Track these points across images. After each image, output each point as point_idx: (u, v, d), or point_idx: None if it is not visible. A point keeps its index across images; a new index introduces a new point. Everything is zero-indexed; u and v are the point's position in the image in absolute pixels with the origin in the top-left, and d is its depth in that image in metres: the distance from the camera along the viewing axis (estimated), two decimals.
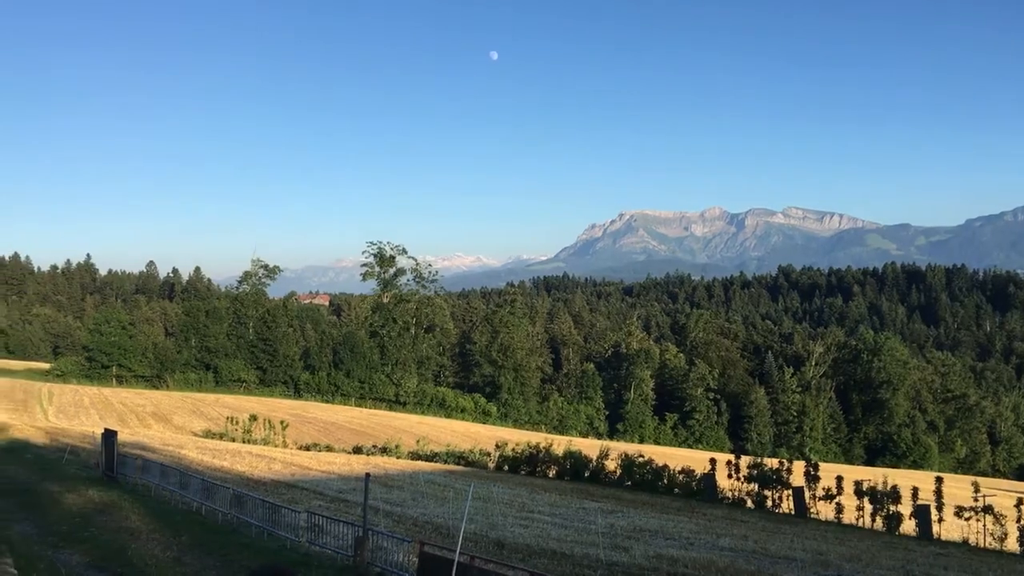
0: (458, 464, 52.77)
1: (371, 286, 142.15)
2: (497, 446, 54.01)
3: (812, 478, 38.75)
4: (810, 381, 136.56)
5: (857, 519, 36.34)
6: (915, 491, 35.75)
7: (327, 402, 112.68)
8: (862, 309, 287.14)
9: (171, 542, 19.90)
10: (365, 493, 18.40)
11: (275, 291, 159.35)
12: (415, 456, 56.26)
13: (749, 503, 40.26)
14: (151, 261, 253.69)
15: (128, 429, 61.05)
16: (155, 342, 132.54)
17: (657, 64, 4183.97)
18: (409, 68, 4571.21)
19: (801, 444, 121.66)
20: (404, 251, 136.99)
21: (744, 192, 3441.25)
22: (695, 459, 59.44)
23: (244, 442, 59.41)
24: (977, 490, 34.78)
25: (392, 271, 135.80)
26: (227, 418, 68.59)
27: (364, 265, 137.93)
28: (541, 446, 51.36)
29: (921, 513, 34.31)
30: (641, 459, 45.98)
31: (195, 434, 65.03)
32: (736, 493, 41.09)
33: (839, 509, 36.85)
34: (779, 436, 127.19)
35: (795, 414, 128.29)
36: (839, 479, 38.05)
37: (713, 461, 43.68)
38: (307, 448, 59.26)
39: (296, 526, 20.84)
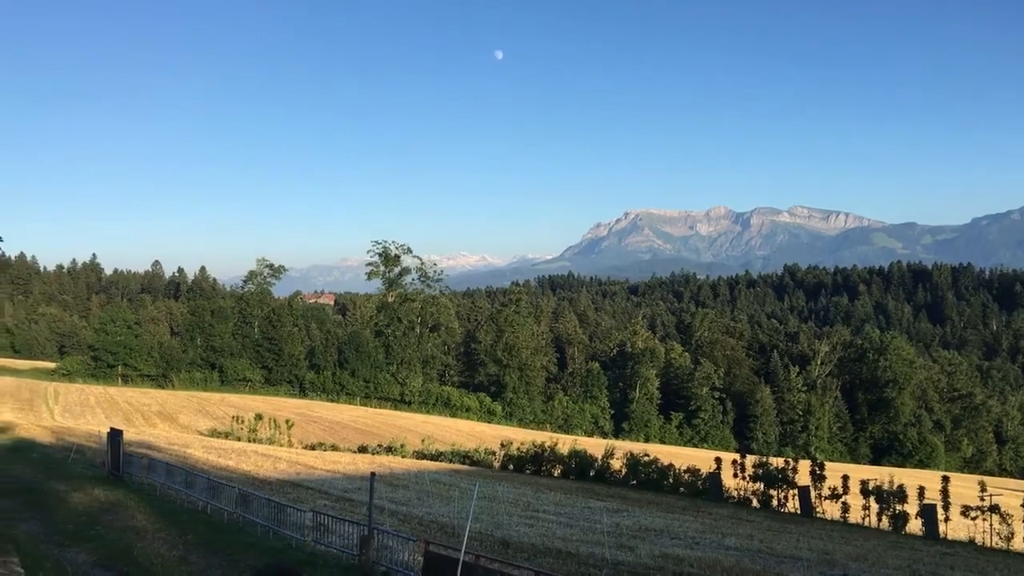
0: (463, 463, 52.78)
1: (376, 285, 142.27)
2: (502, 445, 53.99)
3: (818, 477, 38.65)
4: (816, 380, 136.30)
5: (863, 518, 36.23)
6: (921, 490, 35.65)
7: (332, 401, 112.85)
8: (868, 308, 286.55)
9: (177, 541, 19.92)
10: (371, 492, 18.39)
11: (280, 290, 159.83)
12: (420, 455, 56.28)
13: (755, 502, 40.17)
14: (156, 261, 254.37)
15: (134, 428, 61.19)
16: (161, 341, 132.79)
17: (661, 63, 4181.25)
18: (412, 68, 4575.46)
19: (807, 443, 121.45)
20: (409, 250, 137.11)
21: (749, 191, 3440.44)
22: (700, 458, 59.36)
23: (249, 441, 59.48)
24: (983, 489, 34.66)
25: (397, 270, 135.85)
26: (232, 417, 68.69)
27: (369, 264, 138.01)
28: (546, 445, 51.33)
29: (927, 512, 34.20)
30: (646, 458, 45.92)
31: (201, 433, 65.14)
32: (741, 492, 41.00)
33: (845, 508, 36.74)
34: (784, 435, 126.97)
35: (800, 413, 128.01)
36: (845, 478, 37.94)
37: (718, 460, 43.60)
38: (312, 447, 59.33)
39: (302, 525, 20.85)
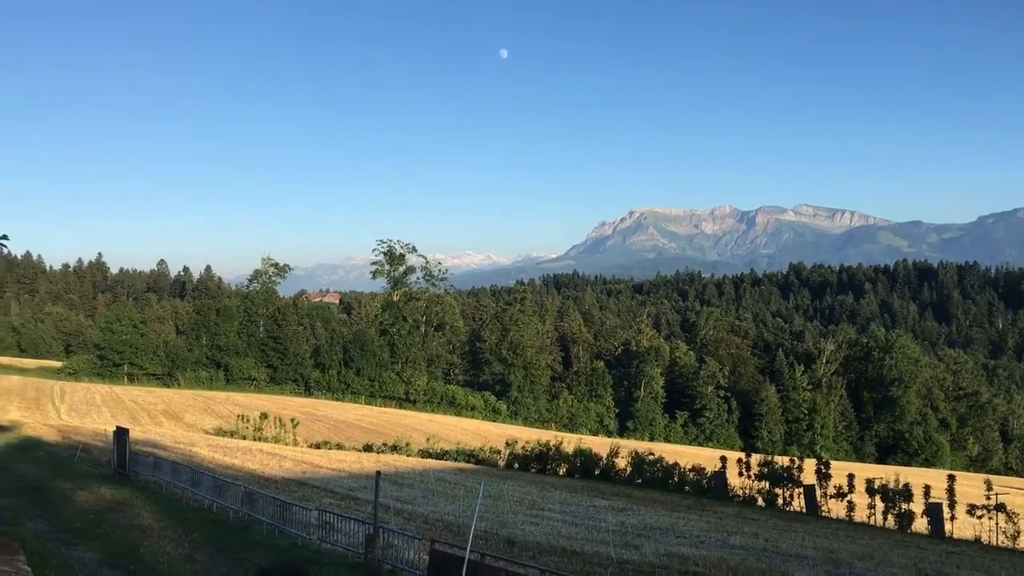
0: (468, 462, 52.83)
1: (381, 284, 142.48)
2: (507, 444, 54.03)
3: (823, 476, 38.61)
4: (821, 379, 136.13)
5: (869, 517, 36.20)
6: (927, 489, 35.59)
7: (337, 400, 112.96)
8: (873, 307, 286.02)
9: (183, 539, 19.96)
10: (376, 491, 18.42)
11: (285, 289, 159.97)
12: (425, 454, 56.34)
13: (760, 501, 40.16)
14: (162, 260, 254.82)
15: (140, 427, 61.34)
16: (166, 340, 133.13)
17: (666, 62, 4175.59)
18: (416, 67, 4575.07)
19: (812, 442, 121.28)
20: (414, 249, 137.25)
21: (755, 189, 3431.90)
22: (705, 457, 59.31)
23: (255, 440, 59.59)
24: (989, 488, 34.62)
25: (402, 269, 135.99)
26: (238, 416, 68.79)
27: (374, 263, 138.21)
28: (551, 444, 51.36)
29: (933, 511, 34.16)
30: (651, 457, 45.93)
31: (206, 432, 65.28)
32: (747, 491, 40.99)
33: (851, 507, 36.70)
34: (790, 434, 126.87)
35: (806, 412, 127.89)
36: (850, 477, 37.90)
37: (724, 459, 43.60)
38: (318, 446, 59.43)
39: (307, 524, 20.88)
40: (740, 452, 47.99)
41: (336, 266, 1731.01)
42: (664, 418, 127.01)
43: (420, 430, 77.32)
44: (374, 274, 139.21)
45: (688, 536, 26.62)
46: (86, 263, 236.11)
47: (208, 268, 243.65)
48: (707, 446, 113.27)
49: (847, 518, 36.38)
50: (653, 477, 44.61)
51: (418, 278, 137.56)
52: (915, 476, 48.55)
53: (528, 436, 65.98)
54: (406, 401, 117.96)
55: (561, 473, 48.66)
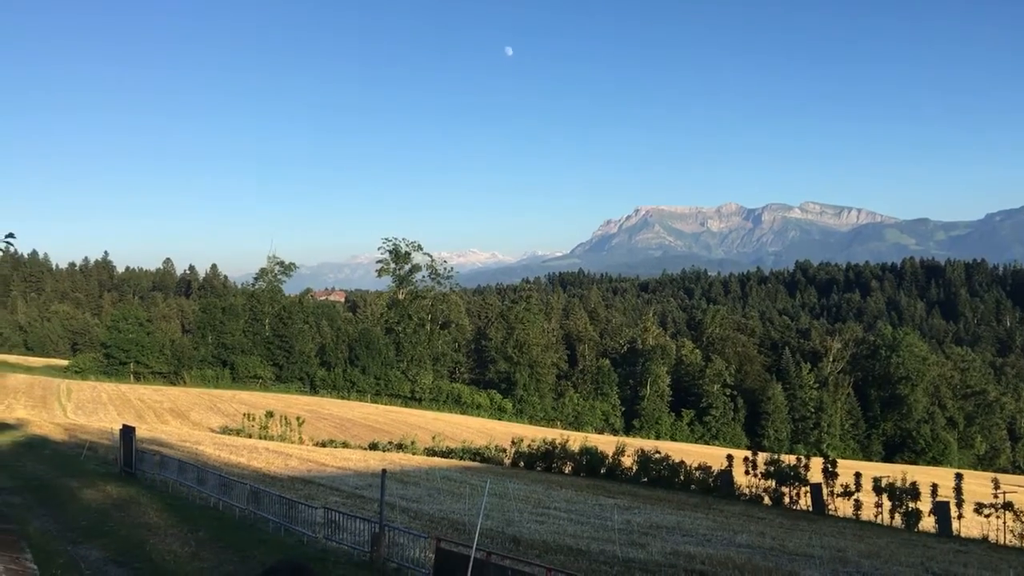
0: (474, 460, 52.81)
1: (387, 283, 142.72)
2: (513, 442, 53.97)
3: (830, 475, 38.48)
4: (828, 377, 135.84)
5: (876, 516, 36.08)
6: (934, 488, 35.46)
7: (343, 398, 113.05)
8: (880, 305, 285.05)
9: (189, 537, 19.97)
10: (382, 489, 18.40)
11: (291, 288, 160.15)
12: (431, 452, 56.34)
13: (766, 500, 40.06)
14: (168, 258, 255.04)
15: (146, 425, 61.45)
16: (172, 339, 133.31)
17: (672, 60, 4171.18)
18: (421, 65, 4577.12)
19: (819, 440, 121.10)
20: (419, 247, 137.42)
21: (761, 187, 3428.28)
22: (712, 455, 59.20)
23: (261, 438, 59.69)
24: (997, 487, 34.46)
25: (407, 267, 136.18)
26: (244, 414, 68.95)
27: (380, 262, 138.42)
28: (557, 442, 51.32)
29: (940, 510, 34.04)
30: (657, 455, 45.83)
31: (212, 430, 65.42)
32: (753, 490, 40.89)
33: (857, 506, 36.59)
34: (796, 432, 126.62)
35: (812, 410, 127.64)
36: (857, 475, 37.78)
37: (730, 458, 43.49)
38: (323, 444, 59.48)
39: (313, 522, 20.88)
40: (746, 451, 47.91)
41: (341, 264, 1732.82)
42: (670, 416, 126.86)
43: (426, 428, 77.38)
44: (379, 272, 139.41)
45: (694, 535, 26.56)
46: (92, 262, 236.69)
47: (214, 267, 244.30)
48: (713, 444, 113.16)
49: (854, 517, 36.28)
50: (659, 476, 44.53)
51: (423, 276, 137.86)
52: (922, 475, 48.43)
53: (534, 434, 65.94)
54: (412, 399, 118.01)
55: (567, 472, 48.62)
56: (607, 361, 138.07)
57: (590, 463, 47.93)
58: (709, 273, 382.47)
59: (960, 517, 34.18)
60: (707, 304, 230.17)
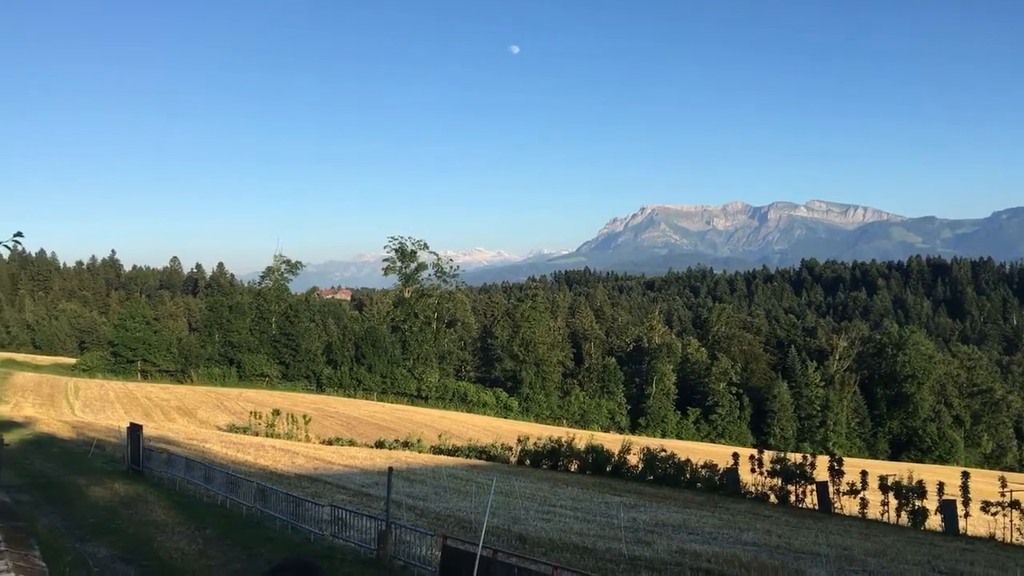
0: (480, 458, 52.83)
1: (392, 281, 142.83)
2: (519, 440, 53.99)
3: (836, 473, 38.39)
4: (834, 375, 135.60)
5: (882, 514, 36.00)
6: (940, 486, 35.36)
7: (349, 397, 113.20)
8: (887, 303, 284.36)
9: (196, 535, 20.05)
10: (388, 487, 18.46)
11: (297, 286, 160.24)
12: (437, 451, 56.39)
13: (772, 498, 40.00)
14: (175, 257, 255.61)
15: (153, 423, 61.64)
16: (179, 337, 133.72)
17: (678, 58, 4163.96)
18: (427, 63, 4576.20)
19: (825, 439, 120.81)
20: (425, 246, 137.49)
21: (767, 185, 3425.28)
22: (717, 453, 59.16)
23: (267, 436, 59.85)
24: (1004, 485, 34.33)
25: (413, 266, 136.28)
26: (250, 412, 69.12)
27: (385, 260, 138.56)
28: (563, 440, 51.32)
29: (947, 508, 33.95)
30: (663, 453, 45.80)
31: (219, 428, 65.58)
32: (759, 488, 40.83)
33: (863, 504, 36.50)
34: (802, 430, 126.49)
35: (818, 408, 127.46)
36: (863, 474, 37.68)
37: (736, 456, 43.42)
38: (329, 442, 59.58)
39: (319, 520, 20.93)
40: (752, 449, 47.82)
41: (348, 263, 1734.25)
42: (676, 415, 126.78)
43: (432, 427, 77.47)
44: (386, 271, 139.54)
45: (700, 532, 26.57)
46: (100, 260, 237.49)
47: (221, 265, 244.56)
48: (719, 443, 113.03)
49: (860, 515, 36.20)
50: (665, 474, 44.51)
51: (430, 275, 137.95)
52: (929, 473, 48.29)
53: (540, 433, 65.97)
54: (418, 398, 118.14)
55: (573, 470, 48.62)
56: (613, 359, 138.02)
57: (596, 461, 47.93)
58: (715, 271, 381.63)
59: (967, 515, 34.08)
60: (713, 302, 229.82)
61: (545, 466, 49.67)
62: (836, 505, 37.80)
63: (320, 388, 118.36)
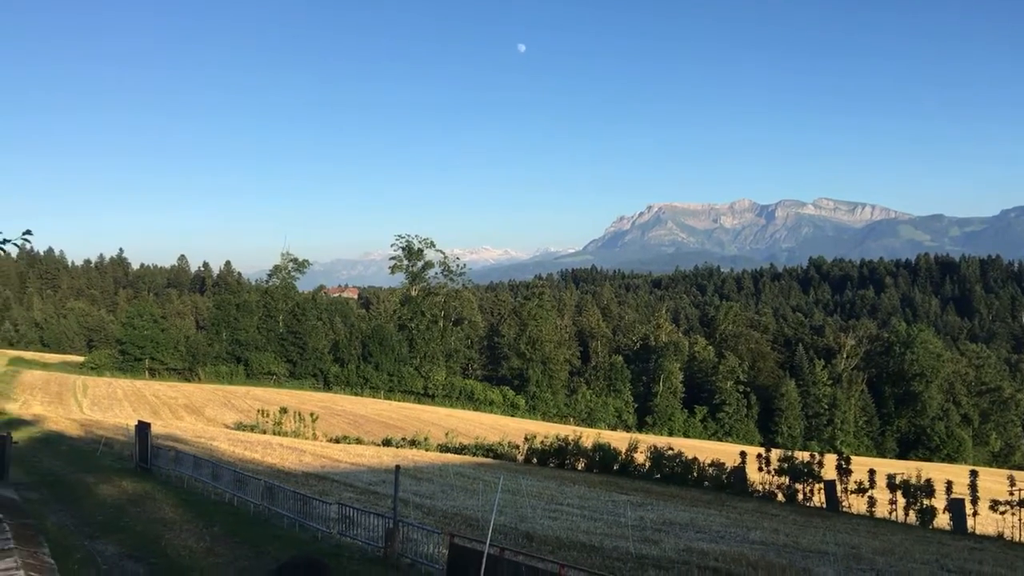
0: (487, 457, 52.83)
1: (399, 279, 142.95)
2: (526, 439, 53.99)
3: (844, 471, 38.31)
4: (841, 374, 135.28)
5: (890, 513, 35.90)
6: (949, 485, 35.24)
7: (356, 395, 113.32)
8: (894, 301, 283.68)
9: (204, 532, 20.09)
10: (395, 485, 18.46)
11: (304, 284, 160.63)
12: (444, 449, 56.41)
13: (780, 496, 39.93)
14: (182, 255, 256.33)
15: (161, 421, 61.83)
16: (187, 335, 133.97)
17: (685, 56, 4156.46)
18: (433, 62, 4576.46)
19: (832, 437, 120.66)
20: (432, 244, 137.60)
21: (774, 183, 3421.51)
22: (725, 452, 59.08)
23: (275, 434, 59.95)
24: (1012, 484, 34.24)
25: (420, 264, 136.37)
26: (258, 410, 69.24)
27: (392, 258, 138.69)
28: (570, 439, 51.27)
29: (955, 507, 33.84)
30: (670, 452, 45.74)
31: (227, 426, 65.72)
32: (766, 486, 40.75)
33: (871, 503, 36.40)
34: (810, 429, 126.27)
35: (826, 407, 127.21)
36: (871, 472, 37.59)
37: (743, 454, 43.36)
38: (337, 440, 59.66)
39: (327, 518, 20.96)
40: (760, 447, 47.77)
41: (355, 261, 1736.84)
42: (683, 413, 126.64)
43: (439, 425, 77.51)
44: (392, 269, 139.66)
45: (708, 531, 26.52)
46: (107, 259, 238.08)
47: (228, 263, 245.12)
48: (726, 441, 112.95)
49: (868, 514, 36.11)
50: (672, 472, 44.46)
51: (436, 273, 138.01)
52: (937, 471, 48.22)
53: (546, 431, 65.97)
54: (425, 396, 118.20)
55: (580, 468, 48.60)
56: (620, 358, 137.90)
57: (603, 460, 47.90)
58: (722, 270, 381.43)
59: (975, 514, 33.98)
60: (720, 301, 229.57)
61: (552, 464, 49.65)
62: (844, 504, 37.71)
63: (327, 386, 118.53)
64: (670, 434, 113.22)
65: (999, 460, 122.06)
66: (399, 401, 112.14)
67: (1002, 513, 33.08)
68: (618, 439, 60.24)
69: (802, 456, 41.25)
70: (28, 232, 10.36)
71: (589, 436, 54.28)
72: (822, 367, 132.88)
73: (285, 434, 60.75)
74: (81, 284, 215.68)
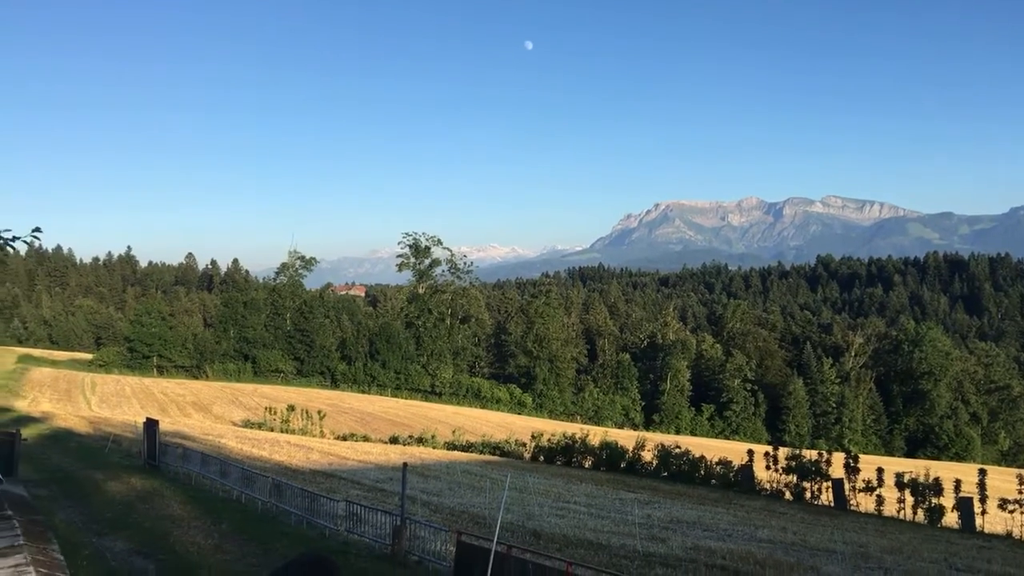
0: (494, 454, 52.87)
1: (407, 277, 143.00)
2: (533, 436, 54.00)
3: (852, 470, 38.21)
4: (849, 372, 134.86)
5: (898, 511, 35.79)
6: (957, 483, 35.11)
7: (363, 392, 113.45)
8: (903, 299, 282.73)
9: (212, 529, 20.14)
10: (403, 482, 18.49)
11: (312, 282, 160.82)
12: (451, 446, 56.46)
13: (787, 495, 39.85)
14: (190, 253, 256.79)
15: (169, 418, 61.99)
16: (194, 333, 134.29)
17: (693, 54, 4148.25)
18: (442, 59, 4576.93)
19: (840, 435, 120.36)
20: (439, 242, 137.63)
21: (782, 181, 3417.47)
22: (732, 450, 59.02)
23: (282, 432, 60.07)
24: (1021, 482, 34.09)
25: (427, 262, 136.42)
26: (265, 408, 69.43)
27: (400, 256, 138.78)
28: (577, 437, 51.27)
29: (964, 506, 33.73)
30: (678, 450, 45.70)
31: (234, 424, 65.88)
32: (774, 485, 40.67)
33: (879, 501, 36.29)
34: (817, 427, 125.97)
35: (834, 405, 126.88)
36: (879, 471, 37.51)
37: (751, 452, 43.27)
38: (344, 438, 59.74)
39: (334, 515, 21.00)
40: (767, 445, 47.66)
41: (362, 259, 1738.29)
42: (690, 411, 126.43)
43: (446, 422, 77.53)
44: (399, 267, 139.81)
45: (715, 529, 26.49)
46: (116, 257, 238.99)
47: (235, 261, 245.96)
48: (734, 439, 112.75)
49: (876, 512, 36.01)
50: (679, 470, 44.42)
51: (443, 271, 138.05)
52: (945, 470, 47.94)
53: (553, 429, 65.98)
54: (432, 394, 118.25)
55: (587, 466, 48.59)
56: (627, 356, 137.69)
57: (610, 457, 47.89)
58: (730, 267, 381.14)
59: (984, 513, 33.87)
60: (728, 299, 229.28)
61: (559, 462, 49.66)
62: (852, 502, 37.63)
63: (334, 384, 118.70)
64: (677, 432, 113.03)
65: (1008, 459, 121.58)
66: (406, 399, 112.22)
67: (1011, 512, 32.96)
68: (625, 437, 60.19)
69: (810, 454, 41.14)
70: (37, 230, 10.38)
71: (596, 434, 54.29)
72: (830, 365, 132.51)
73: (292, 432, 60.87)
74: (89, 282, 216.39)
